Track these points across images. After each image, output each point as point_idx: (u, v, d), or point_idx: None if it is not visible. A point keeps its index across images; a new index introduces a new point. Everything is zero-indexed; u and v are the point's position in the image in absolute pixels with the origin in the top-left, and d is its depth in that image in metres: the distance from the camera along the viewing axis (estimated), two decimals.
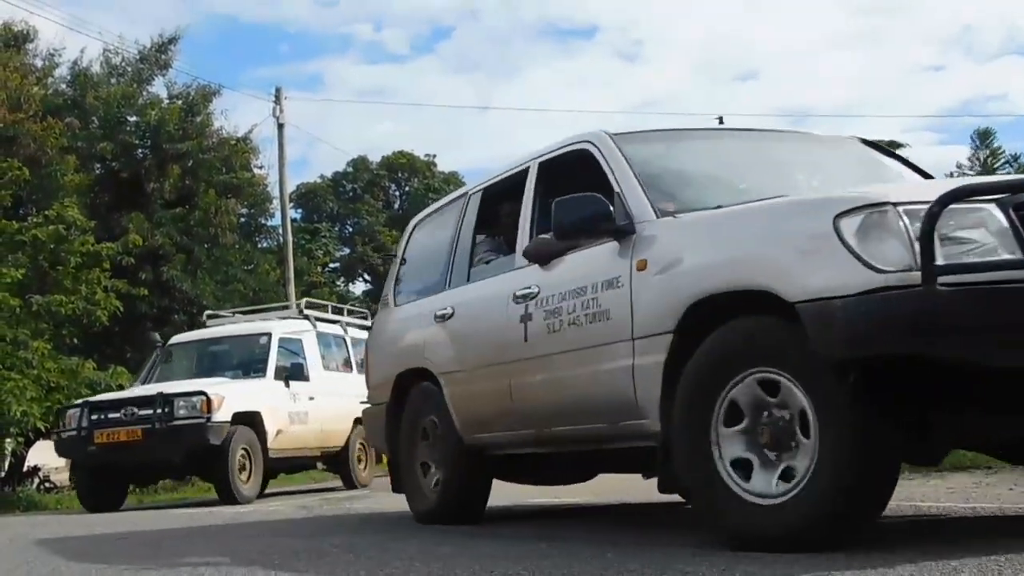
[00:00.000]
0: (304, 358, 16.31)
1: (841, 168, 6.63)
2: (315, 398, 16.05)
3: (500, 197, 7.31)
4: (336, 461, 17.33)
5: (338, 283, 56.11)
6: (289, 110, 30.02)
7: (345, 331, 18.09)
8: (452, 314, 7.18)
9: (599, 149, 6.05)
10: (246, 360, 16.21)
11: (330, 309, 19.03)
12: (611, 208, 5.53)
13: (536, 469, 7.60)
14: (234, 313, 19.50)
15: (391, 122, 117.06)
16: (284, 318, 17.61)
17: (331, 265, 56.80)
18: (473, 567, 4.95)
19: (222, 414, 14.06)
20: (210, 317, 18.66)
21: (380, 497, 12.75)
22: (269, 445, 14.93)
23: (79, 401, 15.52)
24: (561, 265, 6.05)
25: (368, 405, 8.75)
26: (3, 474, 20.22)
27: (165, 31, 32.14)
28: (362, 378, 17.48)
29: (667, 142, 6.60)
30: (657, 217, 5.42)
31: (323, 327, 17.51)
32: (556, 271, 6.07)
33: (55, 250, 20.82)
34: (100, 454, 14.08)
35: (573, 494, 10.25)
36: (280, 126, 29.83)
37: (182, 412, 13.91)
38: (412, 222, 8.96)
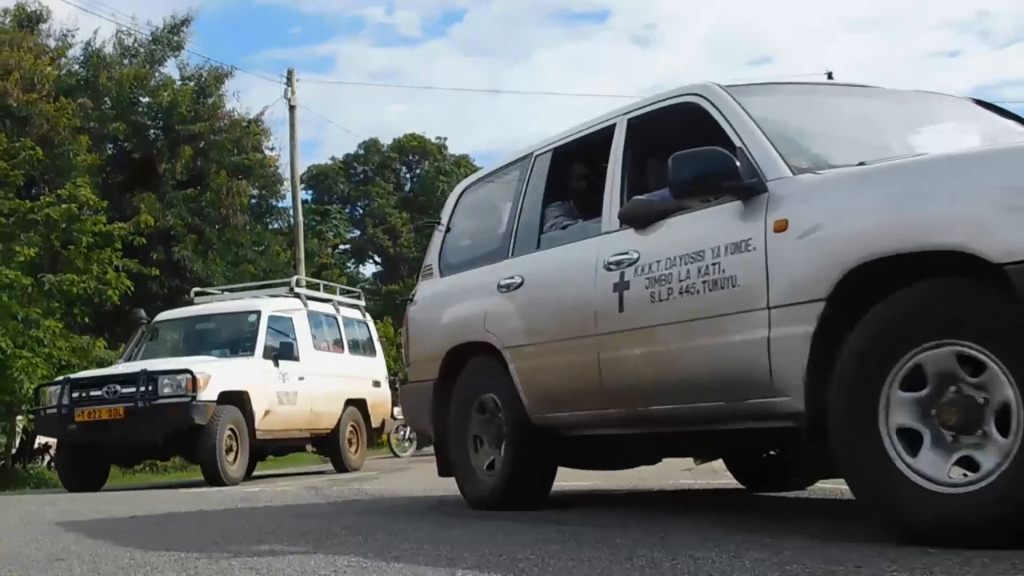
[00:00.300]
0: (294, 337, 15.86)
1: (969, 125, 6.11)
2: (305, 378, 15.67)
3: (574, 158, 6.87)
4: (326, 443, 16.89)
5: (348, 265, 56.16)
6: (300, 92, 30.01)
7: (337, 311, 17.65)
8: (521, 283, 6.66)
9: (711, 102, 5.55)
10: (234, 338, 15.69)
11: (321, 288, 18.62)
12: (738, 164, 5.05)
13: (601, 452, 7.03)
14: (223, 291, 19.03)
15: (402, 105, 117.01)
16: (274, 296, 17.11)
17: (341, 247, 56.84)
18: (482, 550, 4.93)
19: (208, 393, 13.64)
20: (198, 294, 18.11)
21: (388, 479, 12.78)
22: (256, 426, 14.54)
23: (60, 378, 15.15)
24: (664, 229, 5.60)
25: (408, 383, 8.12)
26: (14, 451, 20.30)
27: (178, 12, 32.36)
28: (355, 359, 17.31)
29: (782, 96, 6.10)
30: (793, 174, 4.96)
31: (314, 306, 17.11)
32: (659, 235, 5.62)
33: (67, 229, 20.88)
34: (81, 432, 13.76)
35: (587, 479, 10.25)
36: (291, 108, 29.77)
37: (166, 390, 13.52)
38: (460, 188, 8.29)
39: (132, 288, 22.05)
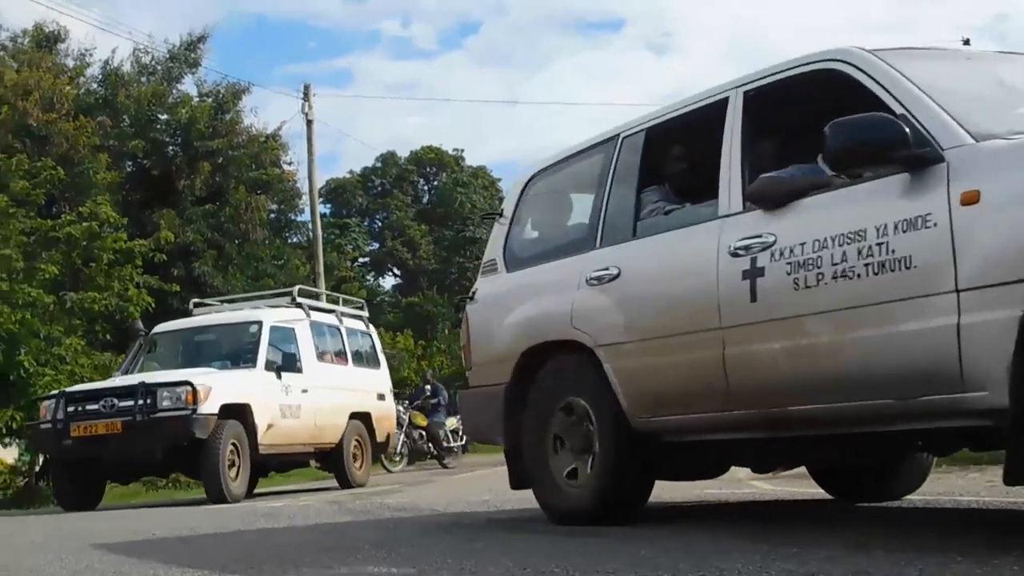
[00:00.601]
0: (297, 349, 15.22)
1: None
2: (308, 391, 15.02)
3: (672, 138, 6.37)
4: (330, 458, 16.16)
5: (367, 278, 56.22)
6: (318, 106, 30.09)
7: (340, 321, 16.98)
8: (617, 275, 6.06)
9: (859, 67, 5.01)
10: (235, 350, 15.03)
11: (324, 298, 17.91)
12: (907, 131, 4.54)
13: (704, 459, 6.40)
14: (223, 301, 18.26)
15: (419, 117, 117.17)
16: (276, 307, 16.35)
17: (360, 260, 56.91)
18: (505, 563, 4.91)
19: (208, 406, 13.01)
20: (197, 305, 17.28)
21: (411, 492, 12.76)
22: (259, 440, 13.91)
23: (55, 392, 14.59)
24: (804, 208, 5.08)
25: (471, 389, 7.39)
26: (38, 469, 20.36)
27: (194, 30, 32.34)
28: (358, 371, 16.84)
29: (935, 60, 5.50)
30: (976, 141, 4.45)
31: (317, 317, 16.43)
32: (799, 215, 5.08)
33: (88, 247, 20.98)
34: (77, 448, 13.15)
35: None
36: (309, 122, 29.87)
37: (165, 403, 12.94)
38: (526, 175, 7.55)
39: (153, 304, 22.13)
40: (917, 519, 5.89)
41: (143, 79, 31.64)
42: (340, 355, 16.64)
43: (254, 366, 14.39)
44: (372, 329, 18.25)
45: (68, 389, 14.33)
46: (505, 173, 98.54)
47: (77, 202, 24.05)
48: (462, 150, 62.80)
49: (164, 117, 30.95)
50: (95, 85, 31.17)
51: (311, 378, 15.14)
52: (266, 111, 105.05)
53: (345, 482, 15.94)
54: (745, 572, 4.26)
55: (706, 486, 9.76)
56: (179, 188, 29.95)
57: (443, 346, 45.14)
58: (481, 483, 13.75)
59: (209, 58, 34.34)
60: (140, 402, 12.91)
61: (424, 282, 55.69)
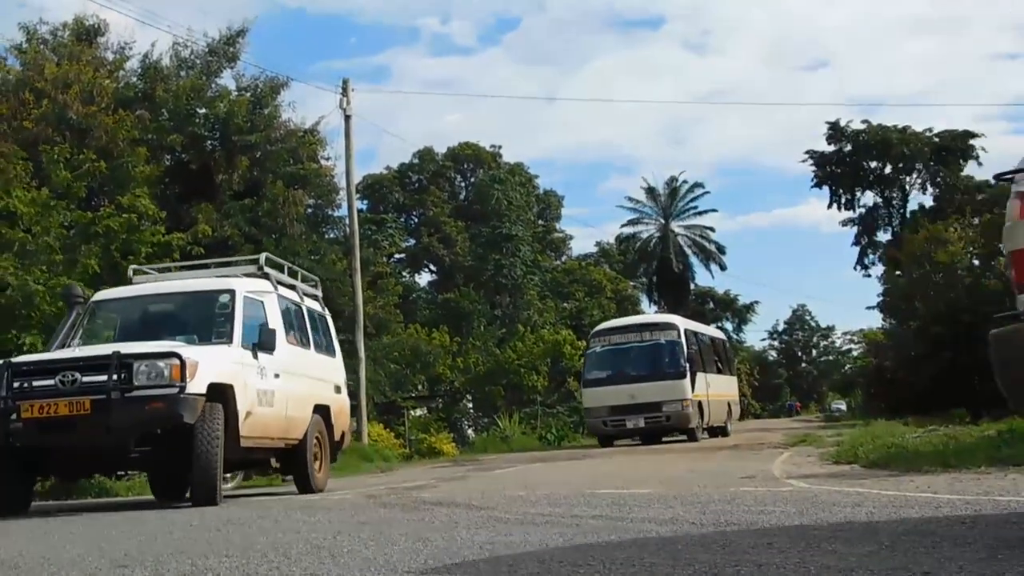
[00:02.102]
0: (267, 326, 12.57)
1: None
2: (280, 376, 12.57)
3: None
4: (291, 458, 13.33)
5: (404, 274, 56.33)
6: (356, 102, 30.07)
7: (301, 299, 14.41)
8: None
9: None
10: (201, 323, 12.52)
11: (286, 270, 14.53)
12: None
13: None
14: (163, 269, 15.45)
15: (457, 114, 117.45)
16: (243, 275, 13.61)
17: (397, 256, 57.01)
18: (543, 557, 4.92)
19: (196, 384, 10.70)
20: (136, 273, 14.42)
21: (446, 487, 12.76)
22: (240, 431, 11.49)
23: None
24: None
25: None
26: None
27: (233, 24, 32.40)
28: (319, 357, 14.42)
29: None
30: None
31: (283, 292, 13.78)
32: None
33: (127, 240, 21.09)
34: (28, 433, 10.51)
35: (642, 485, 10.19)
36: (347, 118, 29.88)
37: (143, 378, 10.54)
38: None
39: None
40: (955, 518, 5.84)
41: (182, 73, 31.78)
42: (303, 338, 14.07)
43: (229, 342, 11.91)
44: (327, 312, 15.84)
45: (14, 360, 11.41)
46: (542, 170, 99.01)
47: (116, 195, 24.19)
48: (499, 146, 62.89)
49: (203, 111, 31.06)
50: (134, 79, 31.34)
51: (283, 361, 12.71)
52: (304, 106, 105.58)
53: (306, 486, 13.31)
54: (784, 567, 4.24)
55: (743, 483, 9.73)
56: (217, 182, 30.08)
57: (478, 343, 45.18)
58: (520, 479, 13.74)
59: (248, 52, 34.43)
60: (115, 376, 10.45)
61: (460, 279, 55.71)
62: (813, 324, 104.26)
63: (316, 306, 15.17)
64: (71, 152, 23.12)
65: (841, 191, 58.18)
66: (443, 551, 5.33)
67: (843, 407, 71.72)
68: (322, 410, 13.97)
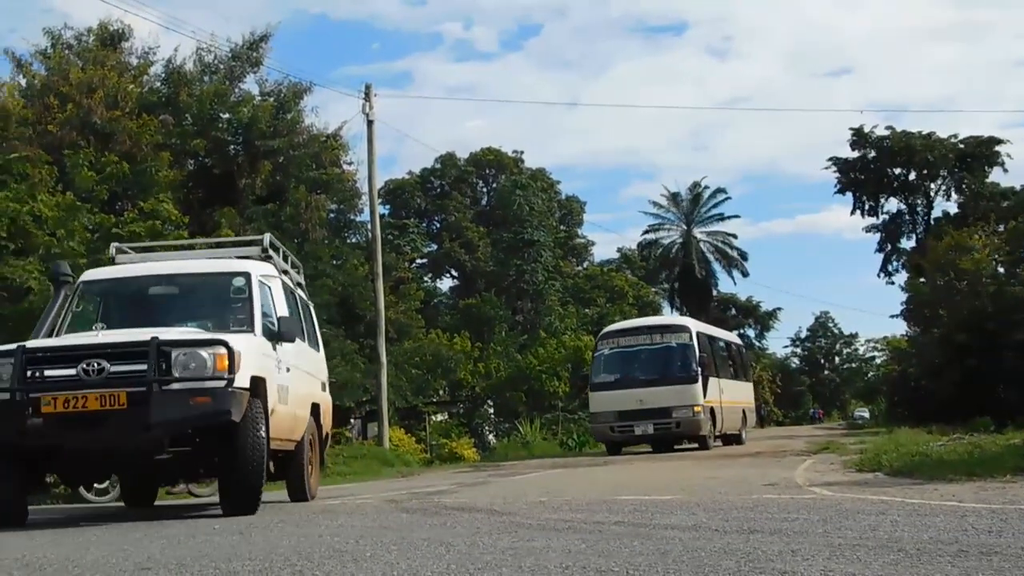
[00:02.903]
0: (277, 314, 11.21)
1: None
2: (290, 370, 11.27)
3: None
4: (287, 462, 11.65)
5: (425, 279, 56.39)
6: (378, 107, 30.15)
7: (296, 287, 13.00)
8: None
9: None
10: (212, 308, 11.21)
11: (281, 254, 12.75)
12: None
13: None
14: (145, 249, 13.70)
15: (479, 119, 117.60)
16: (243, 256, 12.26)
17: (418, 261, 57.09)
18: (565, 562, 4.90)
19: (241, 377, 9.36)
20: (120, 252, 12.73)
21: (467, 493, 12.75)
22: (271, 431, 10.07)
23: (4, 347, 9.64)
24: None
25: None
26: None
27: (257, 29, 32.53)
28: (310, 351, 12.87)
29: None
30: None
31: (284, 277, 12.30)
32: None
33: None
34: (48, 431, 8.98)
35: (664, 491, 10.15)
36: (369, 123, 29.96)
37: (183, 369, 9.12)
38: None
39: None
40: (981, 528, 5.80)
41: (205, 78, 31.89)
42: (300, 328, 12.33)
43: (252, 331, 10.47)
44: (311, 303, 14.25)
45: (29, 344, 9.69)
46: (564, 176, 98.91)
47: (139, 200, 24.30)
48: (522, 152, 62.94)
49: (226, 116, 31.14)
50: (158, 83, 31.45)
51: (291, 355, 11.40)
52: (327, 111, 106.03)
53: (300, 493, 11.94)
54: (808, 575, 4.22)
55: (766, 491, 9.69)
56: (240, 187, 30.16)
57: (499, 348, 45.15)
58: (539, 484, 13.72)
59: (271, 57, 34.56)
60: (154, 365, 9.03)
61: (481, 284, 55.73)
62: (836, 331, 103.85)
63: (303, 295, 13.61)
64: (95, 156, 23.24)
65: (864, 197, 57.92)
66: (466, 556, 5.32)
67: (866, 415, 71.39)
68: (314, 409, 12.59)
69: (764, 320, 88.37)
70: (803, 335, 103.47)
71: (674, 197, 77.58)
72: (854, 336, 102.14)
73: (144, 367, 9.06)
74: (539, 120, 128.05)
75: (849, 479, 11.16)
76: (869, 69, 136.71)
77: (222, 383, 9.16)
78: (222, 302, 11.39)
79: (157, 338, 9.20)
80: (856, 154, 57.28)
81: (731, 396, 28.71)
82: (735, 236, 78.11)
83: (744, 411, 30.48)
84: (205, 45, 32.33)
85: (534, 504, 9.18)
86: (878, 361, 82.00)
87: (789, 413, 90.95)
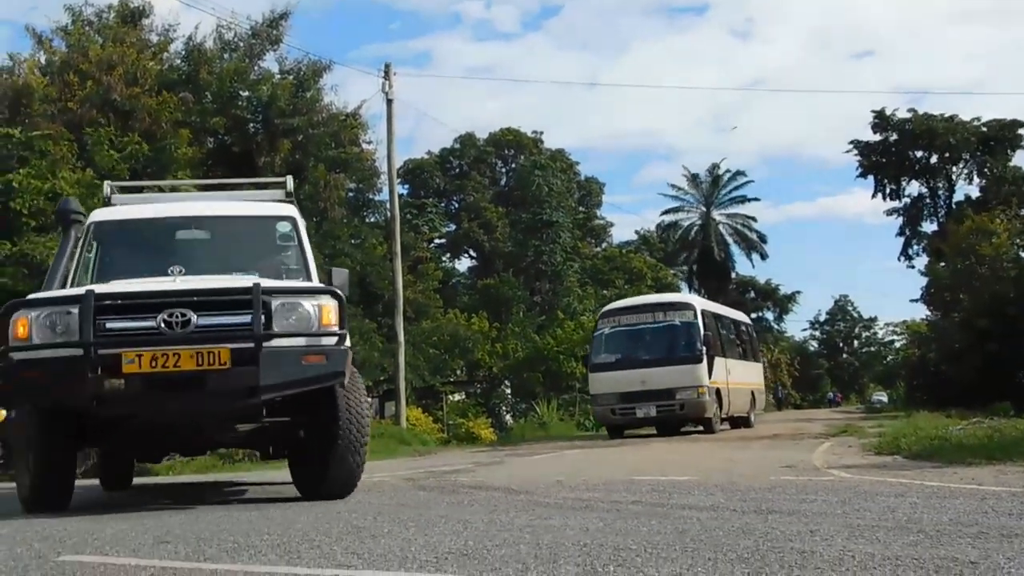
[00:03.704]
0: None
1: None
2: None
3: None
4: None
5: (443, 259, 56.37)
6: (398, 86, 30.11)
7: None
8: None
9: None
10: (252, 258, 9.62)
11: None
12: None
13: None
14: (133, 189, 12.26)
15: (498, 99, 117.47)
16: (262, 199, 10.88)
17: (437, 241, 57.06)
18: (583, 541, 4.89)
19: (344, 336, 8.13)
20: (123, 190, 11.29)
21: (483, 472, 12.75)
22: None
23: (61, 292, 8.43)
24: None
25: None
26: None
27: (276, 7, 32.49)
28: None
29: None
30: None
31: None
32: None
33: None
34: (132, 396, 7.49)
35: (681, 472, 10.14)
36: (389, 102, 29.90)
37: (285, 323, 7.84)
38: None
39: None
40: (1001, 510, 5.77)
41: (225, 56, 31.91)
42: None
43: (310, 282, 9.12)
44: None
45: (99, 288, 7.99)
46: (584, 157, 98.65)
47: (158, 177, 24.30)
48: (541, 132, 62.73)
49: (245, 94, 31.15)
50: (178, 61, 31.48)
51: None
52: (346, 90, 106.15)
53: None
54: (827, 555, 4.20)
55: (784, 473, 9.66)
56: (259, 165, 30.16)
57: (517, 329, 45.14)
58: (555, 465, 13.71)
59: (291, 36, 34.55)
60: (254, 318, 7.64)
61: (500, 265, 55.66)
62: (855, 315, 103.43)
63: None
64: (114, 134, 23.29)
65: (886, 181, 57.59)
66: (483, 533, 5.32)
67: (884, 399, 71.21)
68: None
69: (783, 303, 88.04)
70: (822, 318, 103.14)
71: (694, 179, 77.38)
72: (873, 320, 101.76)
73: (239, 319, 7.68)
74: (559, 101, 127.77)
75: (868, 462, 11.12)
76: (893, 51, 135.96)
77: (333, 340, 7.94)
78: (266, 250, 9.89)
79: (260, 284, 7.81)
80: (878, 137, 56.97)
81: (739, 377, 27.59)
82: (755, 219, 77.86)
83: (753, 393, 29.49)
84: (225, 23, 32.40)
85: (551, 484, 9.17)
86: (897, 345, 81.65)
87: (807, 396, 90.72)
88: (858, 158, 57.74)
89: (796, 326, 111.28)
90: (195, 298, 7.76)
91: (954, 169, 56.99)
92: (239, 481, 12.44)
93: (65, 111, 25.80)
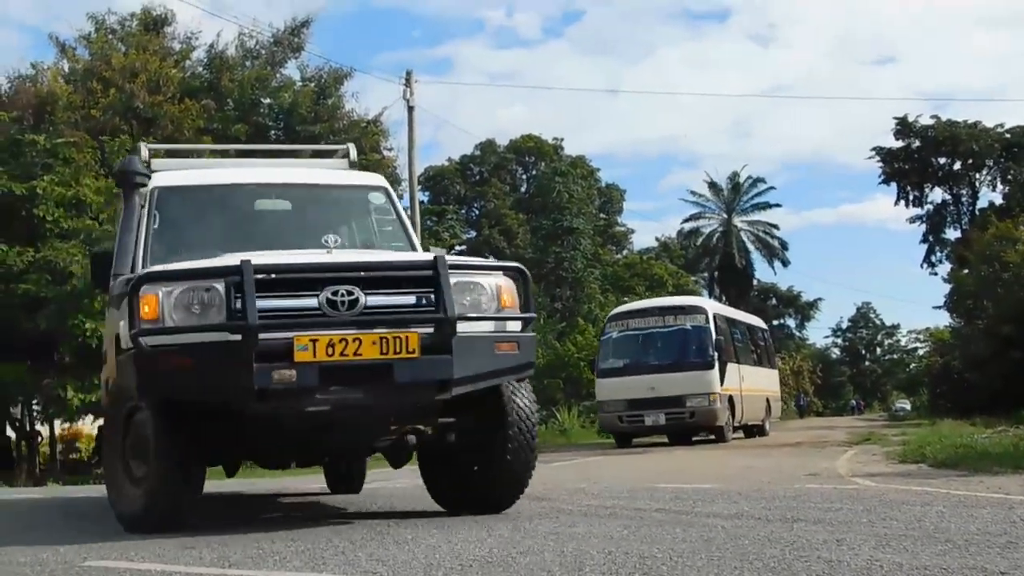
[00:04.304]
0: None
1: None
2: None
3: None
4: None
5: None
6: (419, 93, 30.17)
7: None
8: None
9: None
10: (346, 233, 8.36)
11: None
12: None
13: None
14: (176, 153, 10.20)
15: (520, 106, 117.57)
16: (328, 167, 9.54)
17: (457, 247, 57.11)
18: (608, 548, 4.87)
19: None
20: (157, 155, 9.00)
21: None
22: None
23: (205, 263, 6.65)
24: None
25: None
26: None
27: (298, 14, 32.64)
28: None
29: None
30: None
31: None
32: None
33: None
34: (305, 391, 6.13)
35: (703, 480, 10.11)
36: (410, 109, 29.97)
37: (460, 306, 6.49)
38: None
39: None
40: None
41: (247, 63, 32.05)
42: None
43: None
44: None
45: (256, 260, 6.34)
46: (604, 163, 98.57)
47: None
48: (561, 139, 62.71)
49: (267, 101, 31.30)
50: (200, 68, 31.65)
51: None
52: (367, 97, 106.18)
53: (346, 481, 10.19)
54: (854, 564, 4.17)
55: (808, 480, 9.61)
56: None
57: (538, 335, 45.14)
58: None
59: (312, 43, 34.66)
60: (448, 297, 6.37)
61: None
62: (878, 322, 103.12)
63: None
64: (135, 141, 23.40)
65: (909, 188, 57.47)
66: (507, 540, 5.31)
67: (907, 406, 70.91)
68: None
69: (805, 310, 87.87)
70: (844, 326, 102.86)
71: (714, 185, 77.25)
72: (896, 327, 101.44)
73: (412, 299, 6.51)
74: (580, 107, 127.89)
75: (892, 470, 11.06)
76: (916, 57, 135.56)
77: (517, 325, 6.89)
78: (360, 225, 8.73)
79: (442, 257, 6.60)
80: (900, 144, 56.81)
81: (753, 383, 26.46)
82: (777, 227, 77.65)
83: (768, 400, 28.55)
84: (247, 30, 32.53)
85: (574, 490, 9.16)
86: (920, 353, 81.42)
87: (829, 404, 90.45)
88: (880, 165, 57.62)
89: (818, 333, 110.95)
90: (362, 273, 6.48)
91: (977, 176, 56.81)
92: (267, 489, 12.46)
93: (88, 118, 25.96)
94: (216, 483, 13.45)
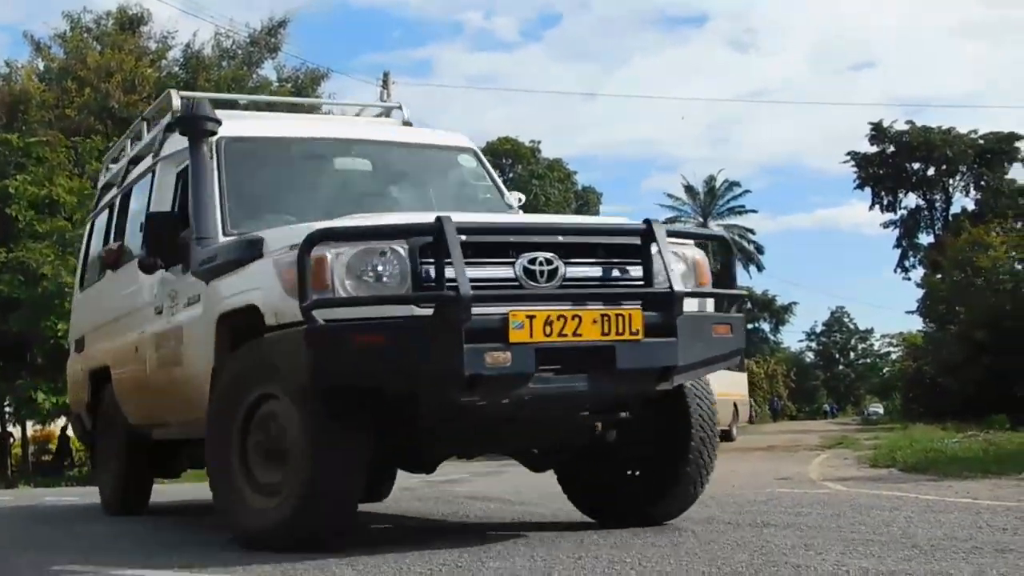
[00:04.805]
0: None
1: None
2: None
3: None
4: None
5: None
6: (396, 95, 30.13)
7: None
8: None
9: None
10: (436, 197, 7.48)
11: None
12: None
13: None
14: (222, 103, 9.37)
15: (498, 109, 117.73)
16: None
17: None
18: (578, 552, 4.89)
19: None
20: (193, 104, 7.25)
21: (480, 483, 12.73)
22: None
23: (379, 220, 5.50)
24: None
25: None
26: None
27: (275, 15, 32.56)
28: None
29: None
30: None
31: None
32: None
33: None
34: (516, 376, 5.02)
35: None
36: None
37: (659, 280, 5.43)
38: None
39: None
40: (996, 525, 5.77)
41: (223, 63, 31.97)
42: None
43: None
44: None
45: (445, 215, 5.09)
46: (583, 167, 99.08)
47: None
48: (539, 142, 62.78)
49: (244, 102, 31.24)
50: (176, 68, 31.55)
51: None
52: (344, 99, 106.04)
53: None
54: (821, 569, 4.20)
55: (779, 485, 9.67)
56: None
57: None
58: None
59: (289, 43, 34.59)
60: (649, 269, 5.46)
61: None
62: (852, 326, 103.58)
63: None
64: (109, 141, 23.32)
65: (883, 193, 57.75)
66: (477, 544, 5.32)
67: (880, 410, 71.32)
68: None
69: (779, 314, 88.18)
70: (818, 330, 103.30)
71: (690, 189, 77.50)
72: (870, 331, 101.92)
73: (616, 271, 5.56)
74: (558, 111, 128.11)
75: (863, 474, 11.13)
76: (893, 64, 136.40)
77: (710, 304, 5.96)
78: (451, 189, 7.86)
79: (657, 221, 5.61)
80: (875, 149, 57.09)
81: (719, 387, 25.72)
82: (752, 231, 77.88)
83: (735, 404, 27.63)
84: (224, 30, 32.42)
85: (547, 494, 9.15)
86: (893, 357, 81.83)
87: (803, 408, 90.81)
88: (855, 170, 57.88)
89: (792, 337, 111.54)
90: (560, 238, 5.45)
91: (951, 181, 57.15)
92: None
93: (63, 118, 25.85)
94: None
